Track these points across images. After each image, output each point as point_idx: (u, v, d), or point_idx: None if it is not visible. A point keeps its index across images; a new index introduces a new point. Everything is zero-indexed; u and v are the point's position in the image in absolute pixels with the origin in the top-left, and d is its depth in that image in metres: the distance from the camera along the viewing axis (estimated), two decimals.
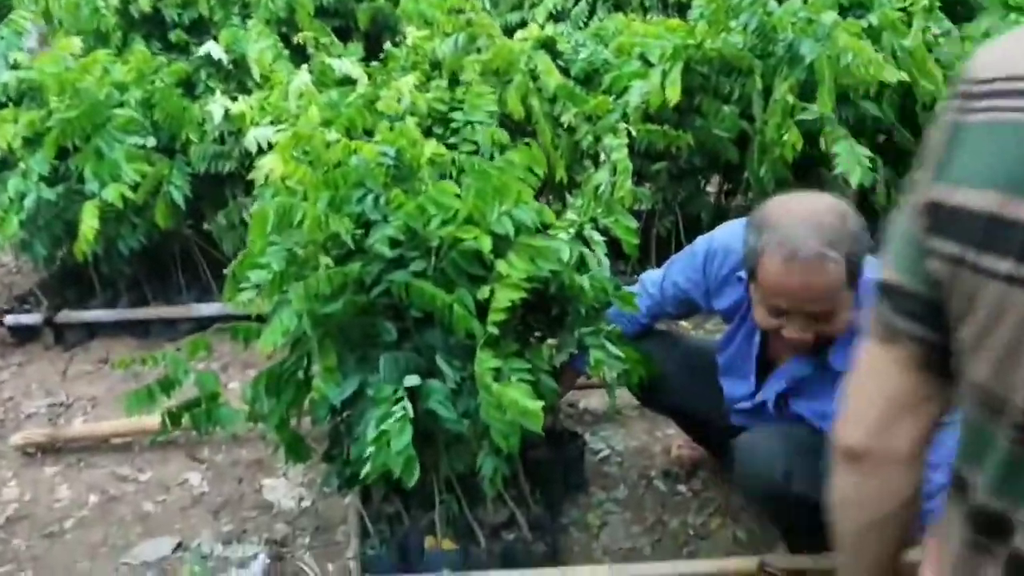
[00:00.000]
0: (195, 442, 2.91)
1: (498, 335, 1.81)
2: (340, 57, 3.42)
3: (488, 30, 3.13)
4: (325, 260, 1.88)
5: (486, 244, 1.80)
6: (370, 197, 1.92)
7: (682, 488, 2.52)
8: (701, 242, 2.12)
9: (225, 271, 2.23)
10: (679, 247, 2.55)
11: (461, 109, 3.19)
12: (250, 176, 2.88)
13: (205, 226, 3.74)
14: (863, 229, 1.73)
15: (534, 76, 3.02)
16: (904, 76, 2.92)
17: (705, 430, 2.34)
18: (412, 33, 3.38)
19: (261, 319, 2.05)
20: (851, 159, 2.70)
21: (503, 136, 2.33)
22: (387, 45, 3.33)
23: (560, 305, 1.96)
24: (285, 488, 2.67)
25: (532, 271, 1.81)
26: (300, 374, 2.05)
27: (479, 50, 3.15)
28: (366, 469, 1.71)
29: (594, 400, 2.90)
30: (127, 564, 2.39)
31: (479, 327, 1.76)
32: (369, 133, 2.53)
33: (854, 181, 2.69)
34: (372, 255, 1.86)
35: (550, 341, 2.14)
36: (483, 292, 1.80)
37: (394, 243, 1.85)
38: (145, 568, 2.37)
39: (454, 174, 2.19)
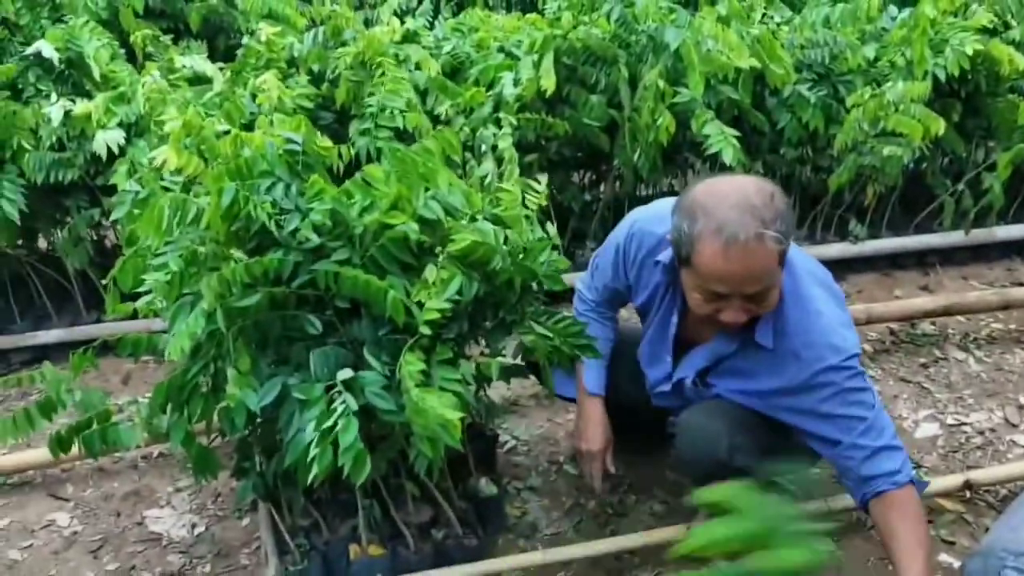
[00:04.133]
0: (54, 480, 2.63)
1: (432, 337, 1.73)
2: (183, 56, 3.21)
3: (353, 23, 3.02)
4: (237, 253, 1.74)
5: (414, 230, 1.73)
6: (280, 186, 1.79)
7: None
8: (622, 229, 2.08)
9: (81, 290, 2.02)
10: None
11: (328, 107, 3.11)
12: (111, 180, 2.66)
13: (39, 244, 3.41)
14: (789, 207, 1.74)
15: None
16: (755, 62, 3.08)
17: (625, 417, 2.33)
18: (265, 30, 3.21)
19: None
20: (722, 139, 2.82)
21: (424, 121, 2.25)
22: (244, 41, 3.14)
23: (496, 299, 1.88)
24: (173, 517, 2.46)
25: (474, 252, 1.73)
26: (206, 383, 1.89)
27: (344, 43, 3.03)
28: (313, 472, 1.58)
29: (490, 392, 2.86)
30: None
31: (418, 312, 1.67)
32: (248, 128, 2.38)
33: (727, 159, 2.81)
34: (291, 246, 1.74)
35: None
36: (417, 293, 1.72)
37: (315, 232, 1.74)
38: None
39: (340, 169, 2.10)
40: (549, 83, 2.93)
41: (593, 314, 2.22)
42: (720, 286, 1.72)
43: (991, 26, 3.52)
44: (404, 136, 2.66)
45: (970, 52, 3.23)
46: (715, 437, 1.90)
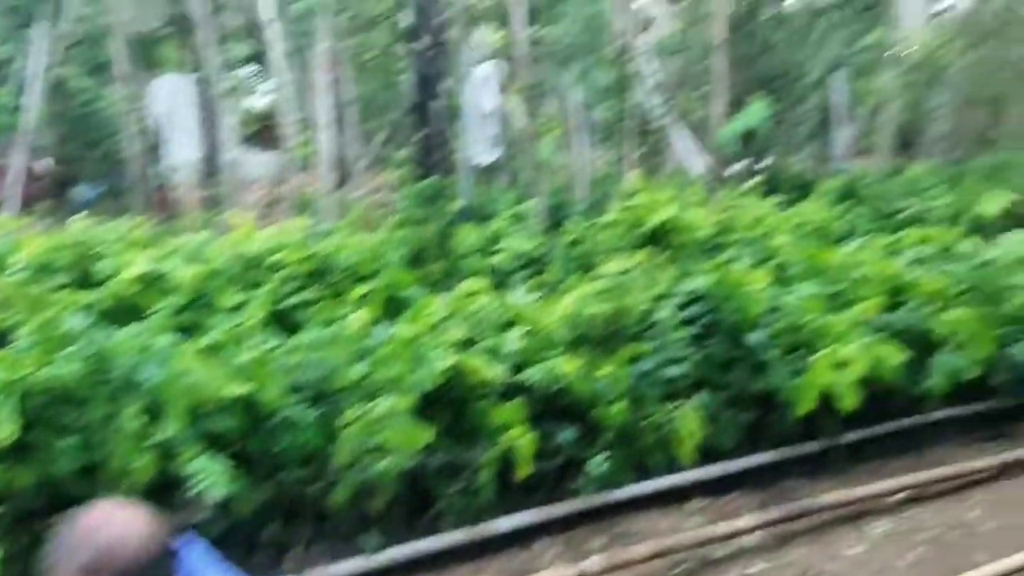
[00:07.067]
0: None
1: None
2: None
3: None
4: None
5: None
6: None
7: None
8: None
9: None
10: None
11: None
12: None
13: None
14: (143, 556, 1.58)
15: None
16: (248, 388, 3.08)
17: None
18: None
19: None
20: (212, 473, 2.70)
21: None
22: None
23: None
24: None
25: None
26: None
27: None
28: None
29: None
30: None
31: None
32: None
33: (218, 494, 2.68)
34: None
35: None
36: None
37: None
38: None
39: None
40: (9, 432, 2.61)
41: None
42: None
43: (465, 339, 3.97)
44: None
45: (445, 366, 3.57)
46: None
